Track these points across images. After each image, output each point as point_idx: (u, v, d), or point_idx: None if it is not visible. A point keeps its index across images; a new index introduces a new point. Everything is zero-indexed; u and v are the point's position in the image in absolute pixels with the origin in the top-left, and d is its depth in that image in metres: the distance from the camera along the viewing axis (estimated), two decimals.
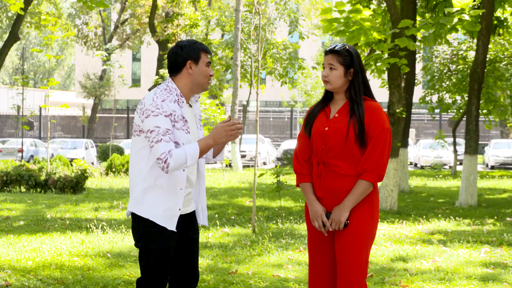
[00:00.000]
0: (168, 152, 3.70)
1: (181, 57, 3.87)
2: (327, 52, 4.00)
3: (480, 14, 11.91)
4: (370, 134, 3.88)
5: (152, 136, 3.73)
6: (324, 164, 3.93)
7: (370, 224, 3.90)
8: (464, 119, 24.62)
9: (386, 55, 11.77)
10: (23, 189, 15.27)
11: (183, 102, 3.84)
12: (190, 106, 3.98)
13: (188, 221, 4.00)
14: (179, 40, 3.81)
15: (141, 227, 3.86)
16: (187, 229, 3.98)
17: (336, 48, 3.99)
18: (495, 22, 14.85)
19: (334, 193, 3.91)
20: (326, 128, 3.95)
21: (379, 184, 18.44)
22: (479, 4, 13.11)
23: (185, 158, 3.71)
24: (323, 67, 4.01)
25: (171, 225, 3.84)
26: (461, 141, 30.65)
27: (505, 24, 15.15)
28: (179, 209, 3.87)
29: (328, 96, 4.09)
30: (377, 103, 3.98)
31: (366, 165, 3.85)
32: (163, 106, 3.75)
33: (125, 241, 8.34)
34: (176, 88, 3.85)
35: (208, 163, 4.29)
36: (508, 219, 10.91)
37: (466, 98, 19.62)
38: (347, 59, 3.96)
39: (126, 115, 44.71)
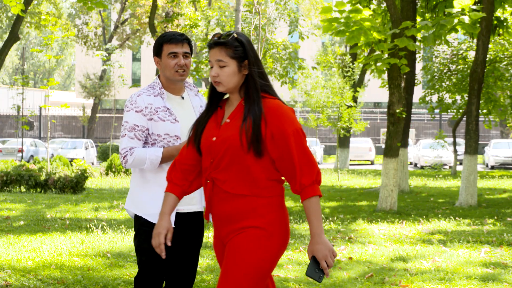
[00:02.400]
0: (129, 150, 3.81)
1: (152, 55, 4.01)
2: (211, 46, 3.17)
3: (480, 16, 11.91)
4: (280, 142, 3.08)
5: (121, 130, 3.87)
6: (213, 183, 3.17)
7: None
8: (464, 119, 24.68)
9: (386, 55, 11.77)
10: (23, 189, 15.27)
11: (163, 94, 3.90)
12: (183, 98, 4.00)
13: (193, 221, 3.92)
14: None
15: (137, 225, 3.87)
16: (191, 229, 3.92)
17: (221, 39, 3.15)
18: (495, 22, 14.86)
19: (229, 219, 3.15)
20: (214, 138, 3.17)
21: (379, 184, 18.39)
22: (479, 4, 13.11)
23: (144, 161, 3.80)
24: (210, 66, 3.18)
25: None
26: (461, 141, 30.67)
27: (505, 24, 15.16)
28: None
29: (217, 96, 3.29)
30: (277, 101, 3.16)
31: (303, 180, 3.09)
32: (137, 101, 3.85)
33: (125, 241, 8.34)
34: (159, 82, 3.95)
35: None
36: (508, 219, 10.91)
37: (466, 98, 19.63)
38: (238, 50, 3.15)
39: None
